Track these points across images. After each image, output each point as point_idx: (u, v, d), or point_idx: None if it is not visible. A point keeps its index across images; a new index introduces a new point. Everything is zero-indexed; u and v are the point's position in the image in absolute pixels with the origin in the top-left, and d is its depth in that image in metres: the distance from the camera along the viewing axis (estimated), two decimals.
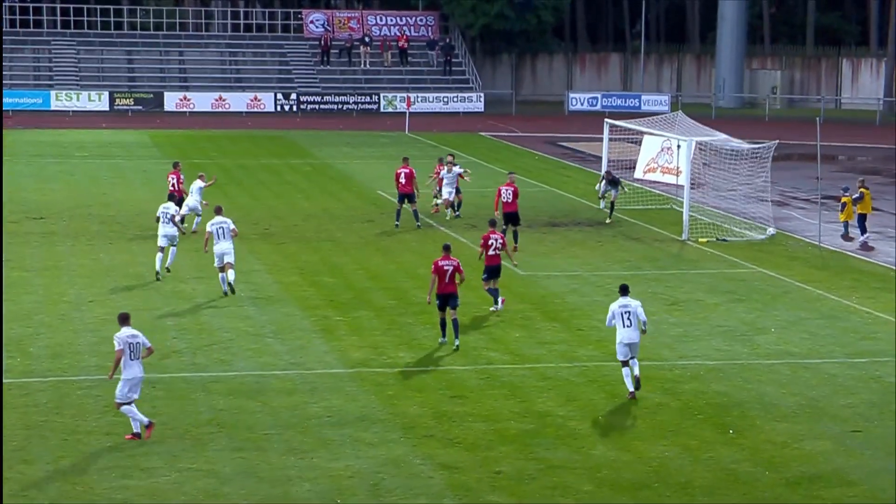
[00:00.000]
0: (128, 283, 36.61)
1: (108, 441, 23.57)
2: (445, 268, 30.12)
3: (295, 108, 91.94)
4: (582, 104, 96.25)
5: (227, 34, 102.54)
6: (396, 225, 45.99)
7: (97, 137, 74.85)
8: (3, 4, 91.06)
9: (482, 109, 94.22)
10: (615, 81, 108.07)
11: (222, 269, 35.09)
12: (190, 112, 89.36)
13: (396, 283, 37.27)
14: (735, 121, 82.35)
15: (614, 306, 26.63)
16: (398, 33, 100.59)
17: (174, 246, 37.52)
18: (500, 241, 33.84)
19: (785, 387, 27.64)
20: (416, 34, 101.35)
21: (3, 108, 76.29)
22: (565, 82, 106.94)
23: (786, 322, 33.30)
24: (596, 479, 22.23)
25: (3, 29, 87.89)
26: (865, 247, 44.25)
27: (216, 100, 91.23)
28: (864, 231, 45.14)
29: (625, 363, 26.59)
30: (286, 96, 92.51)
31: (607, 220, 47.58)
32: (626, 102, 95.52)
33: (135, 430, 23.68)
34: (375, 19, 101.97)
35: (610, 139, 53.41)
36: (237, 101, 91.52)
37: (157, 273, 36.98)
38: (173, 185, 43.92)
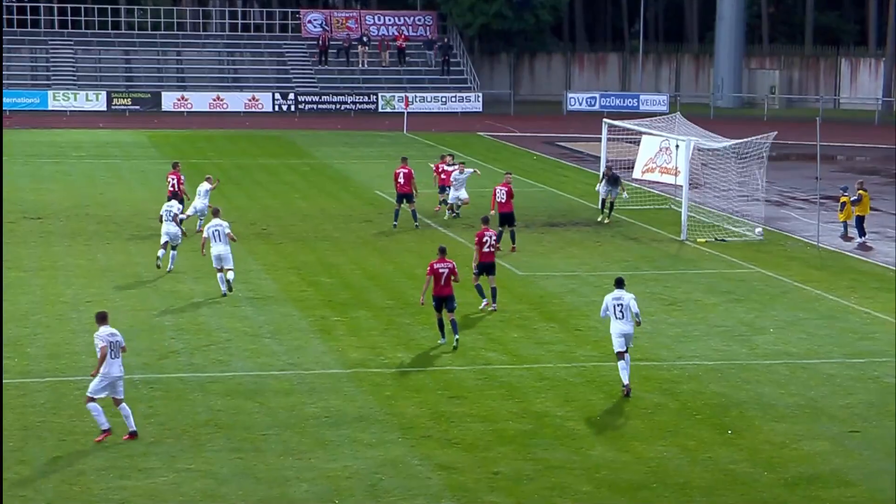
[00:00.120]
0: (125, 283, 36.57)
1: (106, 441, 23.50)
2: (441, 270, 30.12)
3: (293, 107, 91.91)
4: (580, 104, 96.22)
5: (225, 34, 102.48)
6: (394, 225, 45.95)
7: (94, 137, 74.81)
8: (2, 5, 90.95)
9: (480, 109, 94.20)
10: (613, 81, 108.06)
11: (221, 269, 35.09)
12: (188, 112, 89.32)
13: (394, 283, 37.23)
14: (733, 121, 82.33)
15: (608, 298, 27.01)
16: (396, 33, 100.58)
17: (174, 249, 37.53)
18: (494, 238, 34.03)
19: (783, 387, 27.61)
20: (414, 34, 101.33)
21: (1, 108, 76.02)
22: (564, 82, 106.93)
23: (784, 322, 33.27)
24: (594, 480, 22.20)
25: (2, 28, 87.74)
26: (864, 247, 44.22)
27: (214, 100, 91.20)
28: (862, 233, 45.12)
29: (620, 355, 26.71)
30: (284, 96, 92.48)
31: (605, 220, 47.46)
32: (624, 102, 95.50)
33: (130, 429, 23.63)
34: (373, 19, 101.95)
35: (608, 139, 53.37)
36: (235, 101, 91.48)
37: (159, 259, 37.39)
38: (173, 186, 43.86)
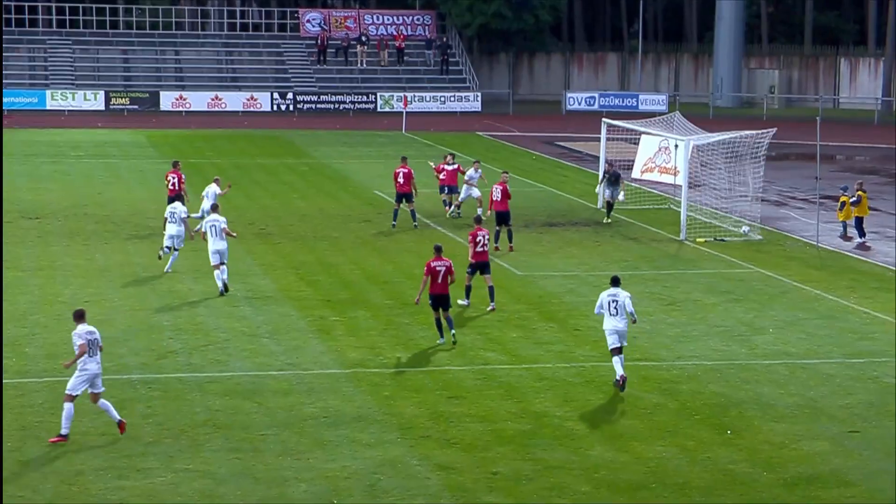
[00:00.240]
0: (123, 283, 36.52)
1: (104, 441, 23.48)
2: (438, 268, 30.19)
3: (291, 107, 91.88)
4: (579, 104, 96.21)
5: (224, 33, 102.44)
6: (393, 225, 45.90)
7: (93, 137, 74.77)
8: (2, 5, 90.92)
9: (479, 109, 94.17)
10: (613, 81, 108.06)
11: (219, 265, 35.19)
12: (186, 111, 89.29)
13: (393, 283, 37.19)
14: (733, 120, 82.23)
15: (603, 295, 27.17)
16: (395, 32, 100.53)
17: (177, 250, 37.50)
18: (488, 237, 34.28)
19: (783, 387, 27.57)
20: (413, 33, 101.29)
21: (1, 108, 75.99)
22: (563, 82, 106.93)
23: (783, 322, 33.23)
24: (593, 480, 22.16)
25: (1, 28, 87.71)
26: (863, 247, 44.19)
27: (212, 99, 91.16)
28: (861, 234, 45.09)
29: (614, 351, 26.87)
30: (283, 96, 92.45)
31: (606, 220, 47.38)
32: (623, 102, 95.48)
33: (116, 420, 23.59)
34: (372, 18, 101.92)
35: (607, 139, 53.33)
36: (233, 101, 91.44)
37: (161, 250, 37.70)
38: (173, 185, 43.73)
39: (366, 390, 26.91)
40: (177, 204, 38.29)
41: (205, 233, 35.63)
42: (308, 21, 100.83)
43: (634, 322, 27.33)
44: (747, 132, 47.98)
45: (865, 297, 36.23)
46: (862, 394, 27.27)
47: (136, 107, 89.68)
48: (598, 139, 54.26)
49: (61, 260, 39.53)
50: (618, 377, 26.88)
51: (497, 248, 41.37)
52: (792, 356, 30.07)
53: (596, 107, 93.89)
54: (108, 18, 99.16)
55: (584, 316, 33.28)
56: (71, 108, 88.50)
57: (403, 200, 45.88)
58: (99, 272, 37.93)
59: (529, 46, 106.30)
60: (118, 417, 23.67)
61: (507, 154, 69.85)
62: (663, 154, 55.37)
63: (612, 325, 26.99)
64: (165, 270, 37.37)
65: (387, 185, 52.41)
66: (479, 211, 44.84)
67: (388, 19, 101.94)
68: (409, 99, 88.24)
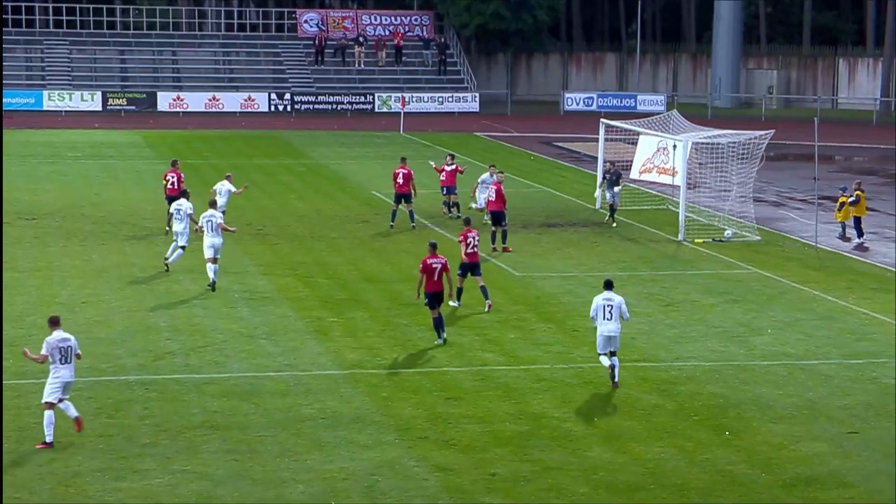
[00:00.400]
0: (120, 283, 36.46)
1: (101, 443, 23.44)
2: (434, 266, 30.32)
3: (289, 108, 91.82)
4: (577, 104, 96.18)
5: (221, 34, 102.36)
6: (391, 226, 45.84)
7: (90, 138, 74.68)
8: (2, 5, 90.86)
9: (477, 109, 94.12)
10: (611, 81, 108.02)
11: (213, 259, 35.52)
12: (183, 112, 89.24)
13: (391, 284, 37.14)
14: (731, 120, 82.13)
15: (598, 299, 27.28)
16: (393, 32, 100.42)
17: (182, 248, 37.52)
18: (478, 238, 34.30)
19: (781, 388, 27.53)
20: (411, 34, 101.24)
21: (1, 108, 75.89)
22: (561, 82, 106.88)
23: (782, 323, 33.19)
24: (592, 481, 22.12)
25: (1, 29, 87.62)
26: (861, 247, 44.14)
27: (210, 100, 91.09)
28: (860, 234, 45.04)
29: (603, 355, 27.21)
30: (280, 96, 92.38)
31: (613, 224, 46.99)
32: (621, 102, 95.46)
33: (73, 416, 23.46)
34: (370, 18, 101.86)
35: (606, 139, 53.29)
36: (231, 101, 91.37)
37: (167, 260, 37.86)
38: (172, 184, 43.73)
39: (364, 391, 26.87)
40: (182, 201, 38.28)
41: (201, 226, 35.83)
42: (305, 21, 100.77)
43: (626, 320, 27.56)
44: (747, 133, 47.87)
45: (864, 297, 36.19)
46: (860, 395, 27.23)
47: (133, 107, 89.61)
48: (597, 140, 54.21)
49: (58, 261, 39.47)
50: (608, 367, 27.20)
51: (494, 249, 41.35)
52: (790, 357, 30.03)
53: (594, 107, 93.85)
54: (105, 19, 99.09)
55: (582, 317, 33.20)
56: (68, 109, 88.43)
57: (402, 201, 45.81)
58: (96, 273, 37.87)
59: (527, 47, 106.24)
60: (76, 414, 23.52)
61: (505, 154, 69.78)
62: (661, 154, 55.32)
63: (606, 329, 27.10)
64: (166, 263, 37.48)
65: (384, 185, 52.37)
66: (487, 217, 45.09)
67: (386, 19, 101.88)
68: (406, 99, 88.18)
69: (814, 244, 43.89)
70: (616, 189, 47.43)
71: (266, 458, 22.92)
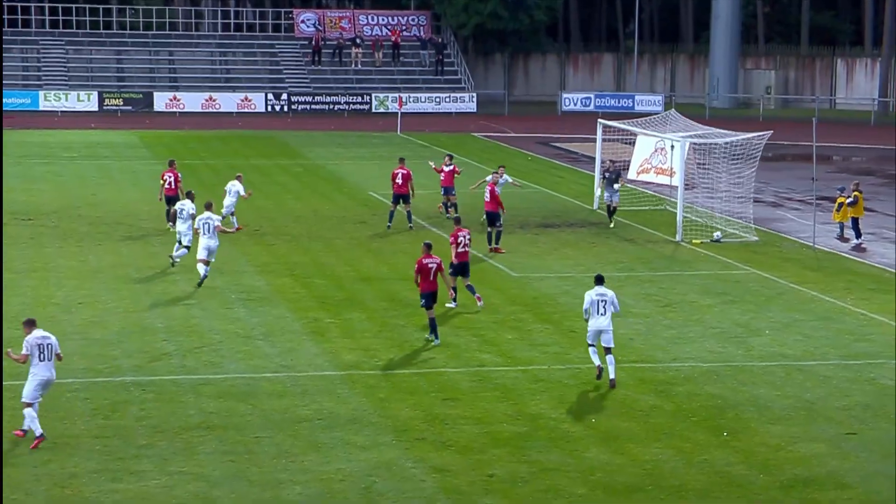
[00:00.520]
0: (116, 284, 36.38)
1: (98, 444, 23.38)
2: (429, 266, 30.40)
3: (286, 108, 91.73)
4: (575, 104, 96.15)
5: (218, 34, 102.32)
6: (389, 226, 45.76)
7: (86, 138, 74.60)
8: (3, 5, 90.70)
9: (475, 110, 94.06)
10: (608, 81, 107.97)
11: (206, 262, 35.58)
12: (180, 112, 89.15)
13: (388, 284, 37.07)
14: (729, 121, 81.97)
15: (591, 294, 27.43)
16: (390, 33, 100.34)
17: (186, 248, 37.51)
18: (468, 237, 34.35)
19: (779, 389, 27.48)
20: (408, 34, 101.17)
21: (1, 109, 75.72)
22: (558, 82, 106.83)
23: (780, 324, 33.13)
24: (589, 482, 22.07)
25: (1, 29, 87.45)
26: (859, 248, 44.08)
27: (206, 100, 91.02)
28: (858, 235, 44.99)
29: (593, 346, 27.46)
30: (277, 96, 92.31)
31: (610, 225, 46.92)
32: (619, 103, 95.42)
33: (24, 427, 23.36)
34: (367, 19, 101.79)
35: (603, 140, 53.22)
36: (227, 102, 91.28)
37: (173, 258, 38.09)
38: (170, 184, 43.69)
39: (360, 392, 26.81)
40: (186, 201, 38.30)
41: (197, 228, 35.87)
42: (302, 21, 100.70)
43: (617, 312, 27.72)
44: (746, 135, 47.80)
45: (862, 298, 36.13)
46: (859, 395, 27.18)
47: (129, 108, 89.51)
48: (594, 140, 54.16)
49: (54, 261, 39.39)
50: (598, 369, 27.32)
51: (490, 250, 41.31)
52: (788, 358, 29.98)
53: (591, 108, 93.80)
54: (101, 19, 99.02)
55: (579, 317, 32.95)
56: (64, 109, 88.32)
57: (400, 202, 45.73)
58: (92, 274, 37.79)
59: (525, 47, 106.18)
60: (28, 427, 23.40)
61: (503, 155, 69.67)
62: (659, 155, 55.26)
63: (598, 323, 27.28)
64: (172, 258, 37.71)
65: (381, 186, 52.30)
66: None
67: (383, 19, 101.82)
68: (403, 100, 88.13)
69: (812, 245, 43.83)
70: (615, 188, 47.24)
71: (263, 459, 22.86)
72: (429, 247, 31.00)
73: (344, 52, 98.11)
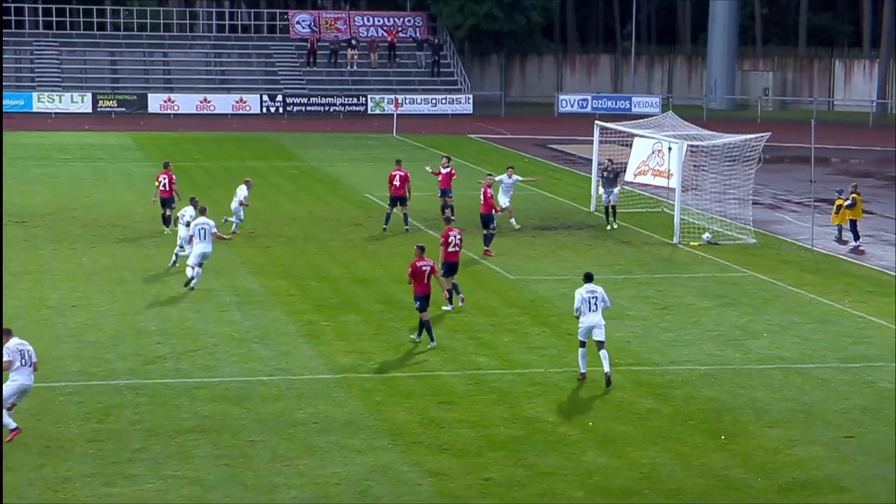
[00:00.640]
0: (111, 287, 36.25)
1: (91, 448, 23.26)
2: (423, 268, 30.43)
3: (281, 109, 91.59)
4: (572, 106, 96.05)
5: (212, 35, 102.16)
6: (384, 228, 45.63)
7: (80, 139, 74.47)
8: (2, 6, 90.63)
9: (471, 111, 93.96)
10: (605, 83, 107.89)
11: (201, 265, 35.54)
12: (174, 114, 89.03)
13: (384, 287, 36.95)
14: (727, 122, 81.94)
15: (581, 292, 27.71)
16: (385, 34, 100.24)
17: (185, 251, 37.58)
18: (460, 238, 34.40)
19: (777, 392, 27.39)
20: (404, 35, 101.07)
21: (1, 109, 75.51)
22: (555, 84, 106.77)
23: (778, 326, 33.03)
24: (586, 486, 21.97)
25: (1, 30, 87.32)
26: (857, 250, 43.97)
27: (201, 101, 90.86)
28: (856, 237, 44.88)
29: (583, 343, 27.63)
30: (272, 98, 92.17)
31: (613, 227, 46.74)
32: (616, 104, 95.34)
33: (11, 427, 23.27)
34: (362, 20, 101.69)
35: (600, 141, 53.12)
36: (222, 103, 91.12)
37: (175, 257, 38.21)
38: (164, 186, 43.56)
39: (356, 396, 26.69)
40: (188, 208, 38.32)
41: (191, 234, 35.79)
42: (298, 23, 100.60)
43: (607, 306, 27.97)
44: (743, 136, 47.71)
45: (860, 300, 36.04)
46: (857, 398, 27.09)
47: (123, 109, 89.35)
48: (591, 142, 54.05)
49: (48, 264, 39.24)
50: (581, 375, 27.46)
51: (485, 252, 41.21)
52: (786, 361, 29.88)
53: (588, 109, 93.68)
54: (95, 20, 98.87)
55: (576, 320, 32.98)
56: (58, 111, 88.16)
57: (398, 204, 45.58)
58: (86, 276, 37.65)
59: (521, 48, 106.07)
60: (13, 424, 23.33)
61: (499, 157, 69.59)
62: (656, 157, 55.11)
63: (590, 320, 27.50)
64: (176, 254, 37.87)
65: (377, 188, 52.19)
66: (512, 221, 45.78)
67: (379, 21, 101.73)
68: (399, 101, 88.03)
69: (810, 247, 43.74)
70: (615, 189, 47.03)
71: (258, 463, 22.74)
72: (422, 249, 30.95)
73: (339, 54, 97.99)
